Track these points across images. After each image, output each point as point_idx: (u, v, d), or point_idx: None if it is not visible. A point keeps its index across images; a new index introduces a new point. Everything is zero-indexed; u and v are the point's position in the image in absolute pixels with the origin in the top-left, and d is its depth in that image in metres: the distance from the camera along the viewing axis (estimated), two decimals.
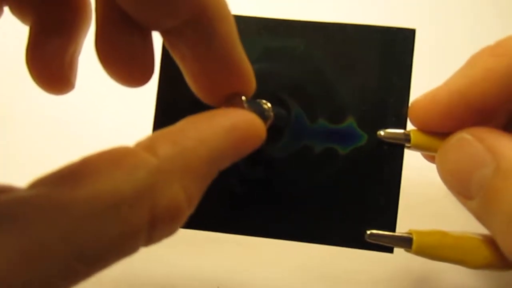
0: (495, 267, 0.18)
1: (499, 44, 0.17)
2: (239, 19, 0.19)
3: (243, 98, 0.17)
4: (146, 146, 0.14)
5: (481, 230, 0.18)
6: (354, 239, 0.19)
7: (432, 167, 0.19)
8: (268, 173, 0.19)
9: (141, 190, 0.13)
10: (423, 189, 0.24)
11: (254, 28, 0.20)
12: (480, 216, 0.17)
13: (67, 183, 0.12)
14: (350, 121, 0.19)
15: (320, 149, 0.19)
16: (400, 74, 0.19)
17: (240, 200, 0.19)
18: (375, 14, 0.28)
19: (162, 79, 0.20)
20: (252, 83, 0.17)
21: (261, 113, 0.18)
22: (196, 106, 0.17)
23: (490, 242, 0.18)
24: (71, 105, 0.29)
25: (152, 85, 0.19)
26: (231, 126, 0.15)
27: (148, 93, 0.20)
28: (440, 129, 0.18)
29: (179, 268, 0.24)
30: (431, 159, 0.21)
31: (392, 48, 0.20)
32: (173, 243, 0.24)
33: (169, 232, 0.14)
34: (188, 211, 0.14)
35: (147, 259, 0.25)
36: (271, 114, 0.18)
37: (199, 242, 0.25)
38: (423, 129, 0.19)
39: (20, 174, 0.15)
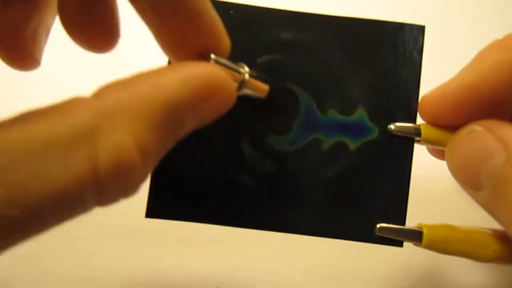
0: (504, 261, 0.18)
1: (508, 38, 0.17)
2: (253, 10, 0.19)
3: (212, 56, 0.16)
4: (94, 92, 0.13)
5: (490, 224, 0.18)
6: (365, 233, 0.19)
7: (440, 162, 0.19)
8: (277, 167, 0.19)
9: (79, 132, 0.12)
10: (432, 184, 0.24)
11: (267, 19, 0.20)
12: (490, 206, 0.17)
13: (6, 125, 0.11)
14: (360, 113, 0.19)
15: (330, 143, 0.19)
16: (410, 69, 0.20)
17: (250, 194, 0.19)
18: (385, 10, 0.28)
19: None
20: (223, 40, 0.16)
21: (234, 72, 0.16)
22: None
23: (500, 235, 0.18)
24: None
25: None
26: (188, 74, 0.14)
27: None
28: (450, 122, 0.18)
29: (179, 268, 0.24)
30: (439, 155, 0.22)
31: (402, 43, 0.20)
32: (173, 243, 0.24)
33: (122, 189, 0.13)
34: (142, 165, 0.13)
35: (147, 259, 0.25)
36: (247, 78, 0.17)
37: (199, 242, 0.25)
38: (433, 123, 0.19)
39: None
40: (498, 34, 0.18)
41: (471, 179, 0.17)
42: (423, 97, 0.19)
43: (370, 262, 0.25)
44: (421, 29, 0.20)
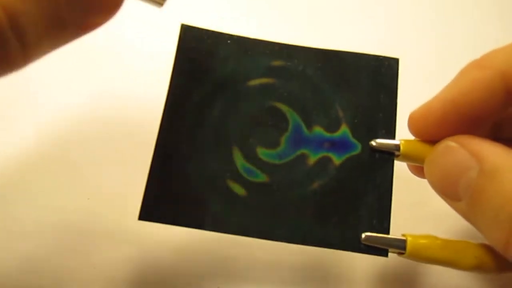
0: (486, 269, 0.19)
1: (484, 58, 0.19)
2: (248, 41, 0.22)
3: None
4: None
5: (470, 230, 0.19)
6: (350, 243, 0.19)
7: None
8: (266, 178, 0.20)
9: None
10: (414, 195, 0.25)
11: (260, 49, 0.22)
12: (469, 215, 0.18)
13: None
14: (344, 130, 0.21)
15: (315, 158, 0.20)
16: (387, 94, 0.21)
17: (241, 202, 0.20)
18: (365, 44, 0.31)
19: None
20: None
21: None
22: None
23: (482, 245, 0.19)
24: None
25: None
26: None
27: None
28: (437, 137, 0.20)
29: (179, 268, 0.24)
30: (418, 172, 0.23)
31: (379, 72, 0.22)
32: (173, 242, 0.24)
33: None
34: (9, 30, 0.13)
35: (146, 259, 0.25)
36: None
37: (199, 242, 0.25)
38: (420, 138, 0.20)
39: None
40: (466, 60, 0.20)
41: (449, 191, 0.18)
42: (411, 114, 0.20)
43: (365, 265, 0.25)
44: (395, 61, 0.22)
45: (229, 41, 0.22)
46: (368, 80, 0.22)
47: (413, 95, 0.23)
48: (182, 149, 0.20)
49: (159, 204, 0.19)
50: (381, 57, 0.22)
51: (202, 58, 0.21)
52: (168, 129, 0.20)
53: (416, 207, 0.25)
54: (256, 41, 0.22)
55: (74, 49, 0.17)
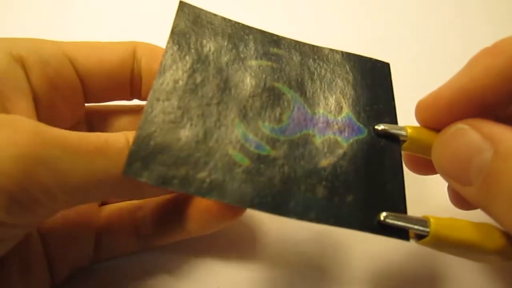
0: (509, 254, 0.17)
1: (496, 45, 0.19)
2: (246, 27, 0.21)
3: None
4: None
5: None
6: (369, 223, 0.17)
7: None
8: (270, 151, 0.18)
9: None
10: (412, 193, 0.23)
11: (258, 36, 0.21)
12: (480, 200, 0.17)
13: None
14: (348, 113, 0.20)
15: (322, 139, 0.19)
16: (384, 87, 0.21)
17: (245, 171, 0.17)
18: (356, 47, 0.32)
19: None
20: None
21: None
22: None
23: (501, 230, 0.18)
24: None
25: None
26: None
27: None
28: (444, 125, 0.19)
29: (179, 268, 0.23)
30: (415, 169, 0.22)
31: (373, 71, 0.22)
32: (173, 242, 0.22)
33: None
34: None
35: (146, 259, 0.23)
36: None
37: (199, 241, 0.23)
38: (428, 126, 0.19)
39: None
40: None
41: (460, 174, 0.17)
42: (419, 102, 0.20)
43: (369, 262, 0.23)
44: (387, 65, 0.22)
45: (227, 24, 0.21)
46: (364, 77, 0.21)
47: (404, 100, 0.23)
48: (178, 111, 0.17)
49: (149, 159, 0.16)
50: (373, 60, 0.22)
51: (198, 37, 0.20)
52: (161, 90, 0.17)
53: (414, 205, 0.23)
54: (254, 29, 0.21)
55: None
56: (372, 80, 0.21)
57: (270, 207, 0.16)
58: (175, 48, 0.19)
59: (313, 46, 0.22)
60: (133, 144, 0.16)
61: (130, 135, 0.18)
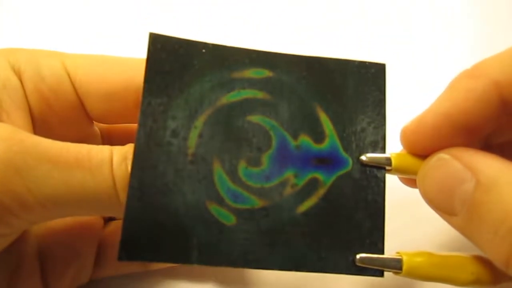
0: (483, 283, 0.18)
1: (476, 67, 0.18)
2: (225, 49, 0.20)
3: None
4: None
5: (467, 246, 0.18)
6: (344, 265, 0.19)
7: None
8: (251, 203, 0.19)
9: None
10: (408, 211, 0.24)
11: (239, 59, 0.20)
12: (466, 230, 0.17)
13: None
14: (332, 138, 0.20)
15: (303, 180, 0.19)
16: (375, 104, 0.20)
17: (229, 231, 0.18)
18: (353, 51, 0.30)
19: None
20: None
21: None
22: None
23: (477, 258, 0.18)
24: None
25: None
26: None
27: None
28: (429, 151, 0.19)
29: (178, 267, 0.24)
30: (410, 183, 0.22)
31: (366, 79, 0.21)
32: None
33: None
34: None
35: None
36: None
37: None
38: (413, 152, 0.20)
39: None
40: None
41: (444, 205, 0.18)
42: (404, 128, 0.20)
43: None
44: (382, 66, 0.21)
45: (203, 50, 0.20)
46: (355, 89, 0.20)
47: (402, 101, 0.22)
48: (159, 178, 0.18)
49: (140, 242, 0.17)
50: (367, 63, 0.21)
51: (175, 71, 0.19)
52: (142, 157, 0.18)
53: (411, 218, 0.24)
54: (234, 49, 0.20)
55: None
56: (364, 93, 0.20)
57: (251, 264, 0.18)
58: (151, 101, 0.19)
59: (300, 57, 0.20)
60: (122, 230, 0.17)
61: (116, 150, 0.17)
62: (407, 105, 0.21)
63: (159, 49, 0.19)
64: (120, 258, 0.17)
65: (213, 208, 0.18)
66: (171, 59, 0.19)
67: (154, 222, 0.18)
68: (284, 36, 0.32)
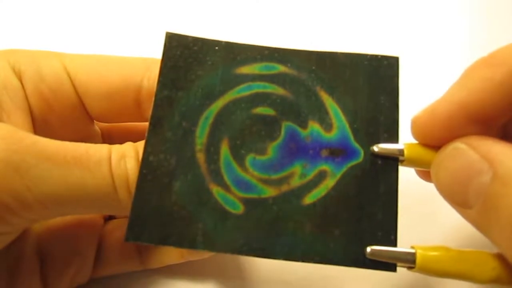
0: (505, 281, 0.17)
1: (494, 55, 0.17)
2: (237, 47, 0.21)
3: None
4: None
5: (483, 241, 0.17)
6: (355, 258, 0.18)
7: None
8: (262, 192, 0.18)
9: None
10: (422, 201, 0.23)
11: (250, 55, 0.20)
12: (480, 224, 0.16)
13: None
14: (344, 127, 0.19)
15: (313, 172, 0.19)
16: (388, 95, 0.20)
17: (235, 219, 0.18)
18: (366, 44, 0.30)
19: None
20: None
21: None
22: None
23: (498, 255, 0.17)
24: None
25: None
26: None
27: None
28: (443, 141, 0.18)
29: (178, 268, 0.24)
30: (425, 176, 0.21)
31: (378, 72, 0.20)
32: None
33: None
34: None
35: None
36: None
37: None
38: (425, 143, 0.19)
39: None
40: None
41: (458, 197, 0.17)
42: (414, 118, 0.19)
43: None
44: (395, 59, 0.20)
45: (216, 48, 0.21)
46: (367, 82, 0.20)
47: (416, 95, 0.21)
48: (169, 164, 0.18)
49: (146, 224, 0.18)
50: (379, 56, 0.21)
51: (189, 67, 0.20)
52: (154, 144, 0.19)
53: (425, 214, 0.23)
54: (245, 46, 0.21)
55: None
56: (377, 85, 0.20)
57: (257, 252, 0.18)
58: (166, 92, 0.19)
59: (310, 52, 0.21)
60: (131, 211, 0.18)
61: (114, 148, 0.18)
62: (418, 97, 0.20)
63: (175, 46, 0.20)
64: (127, 239, 0.17)
65: (217, 191, 0.18)
66: (185, 55, 0.20)
67: (162, 206, 0.18)
68: (295, 31, 0.32)
